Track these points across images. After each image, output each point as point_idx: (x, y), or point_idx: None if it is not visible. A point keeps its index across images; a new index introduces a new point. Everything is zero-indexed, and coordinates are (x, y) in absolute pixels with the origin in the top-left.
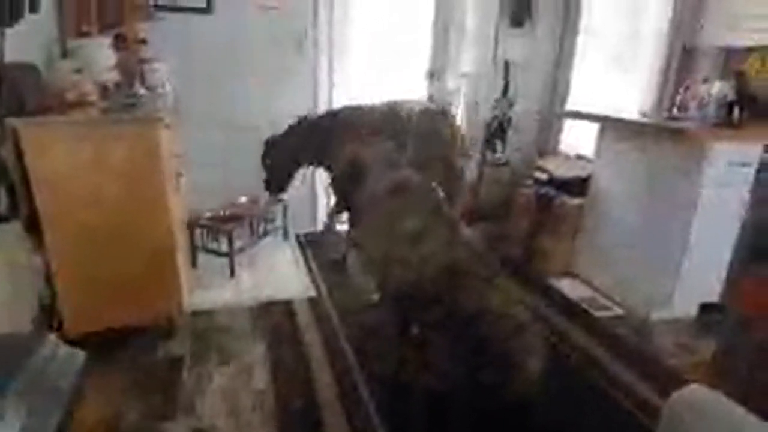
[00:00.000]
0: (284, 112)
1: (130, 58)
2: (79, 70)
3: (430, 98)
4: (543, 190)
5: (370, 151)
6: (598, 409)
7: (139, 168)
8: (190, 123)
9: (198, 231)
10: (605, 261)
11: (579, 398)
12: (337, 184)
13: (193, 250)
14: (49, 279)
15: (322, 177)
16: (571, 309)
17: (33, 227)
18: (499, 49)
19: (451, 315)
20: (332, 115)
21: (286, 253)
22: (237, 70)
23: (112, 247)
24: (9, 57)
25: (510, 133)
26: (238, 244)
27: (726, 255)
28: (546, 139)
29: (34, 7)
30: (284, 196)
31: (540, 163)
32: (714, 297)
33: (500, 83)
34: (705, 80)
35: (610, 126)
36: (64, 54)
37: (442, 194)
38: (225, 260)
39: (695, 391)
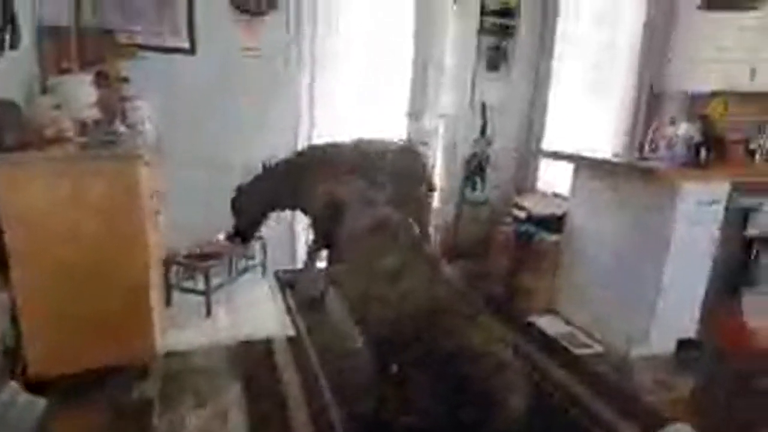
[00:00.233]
0: (265, 151)
1: (111, 95)
2: (58, 107)
3: (409, 138)
4: (522, 228)
5: (346, 190)
6: None
7: (117, 205)
8: (172, 161)
9: (174, 269)
10: (583, 298)
11: None
12: (315, 224)
13: (168, 288)
14: (14, 319)
15: (301, 214)
16: (551, 346)
17: (1, 264)
18: (477, 91)
19: (431, 353)
20: (300, 156)
21: (264, 290)
22: (219, 110)
23: (85, 285)
24: None
25: (488, 171)
26: (215, 281)
27: (700, 291)
28: (524, 177)
29: (14, 44)
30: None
31: (517, 200)
32: (690, 333)
33: (478, 124)
34: (672, 121)
35: (584, 165)
36: (44, 90)
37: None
38: (201, 298)
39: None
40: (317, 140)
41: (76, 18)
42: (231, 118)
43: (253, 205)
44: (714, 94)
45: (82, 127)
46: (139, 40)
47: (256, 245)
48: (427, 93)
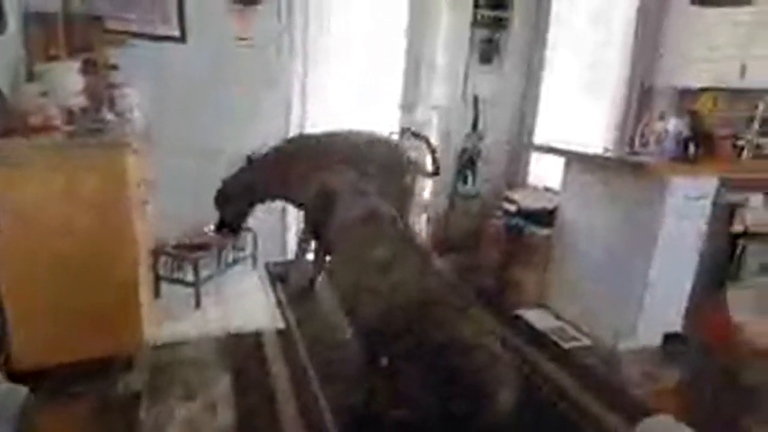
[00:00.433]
0: (256, 141)
1: (99, 83)
2: (45, 94)
3: (403, 130)
4: (513, 221)
5: (338, 180)
6: None
7: (104, 194)
8: (162, 150)
9: (163, 260)
10: (573, 292)
11: (550, 429)
12: (307, 214)
13: (157, 279)
14: (0, 310)
15: (291, 205)
16: (541, 340)
17: None
18: (469, 84)
19: (422, 344)
20: (289, 145)
21: (254, 282)
22: (210, 98)
23: (71, 276)
24: None
25: (480, 165)
26: (204, 273)
27: (686, 285)
28: (515, 171)
29: (0, 29)
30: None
31: (508, 194)
32: (677, 327)
33: (470, 117)
34: (662, 117)
35: (574, 159)
36: (31, 77)
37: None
38: (190, 290)
39: (659, 421)
40: (309, 130)
41: (64, 4)
42: (222, 107)
43: (239, 196)
44: (704, 90)
45: (69, 115)
46: (129, 27)
47: (247, 236)
48: (419, 85)
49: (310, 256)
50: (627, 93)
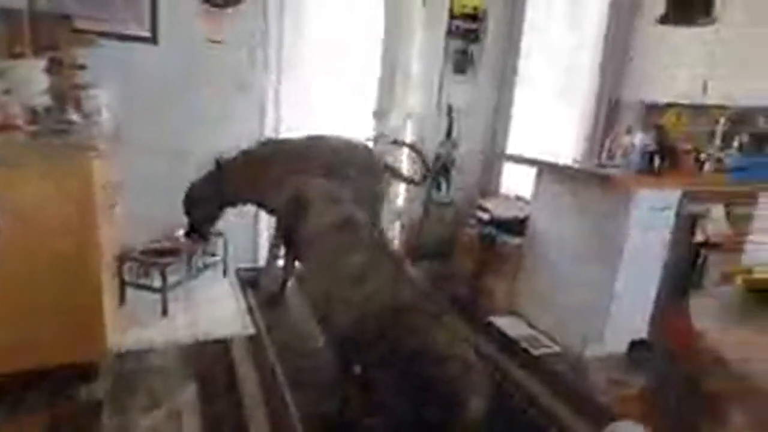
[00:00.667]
0: (229, 143)
1: (64, 83)
2: (7, 92)
3: (377, 137)
4: (486, 230)
5: (313, 185)
6: None
7: (67, 197)
8: (131, 151)
9: (129, 265)
10: (543, 300)
11: None
12: (279, 219)
13: (122, 285)
14: None
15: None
16: (512, 347)
17: None
18: (443, 93)
19: (395, 351)
20: (261, 149)
21: (225, 288)
22: (182, 99)
23: (31, 280)
24: None
25: (454, 173)
26: (173, 278)
27: (651, 294)
28: (488, 180)
29: None
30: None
31: (481, 202)
32: (642, 334)
33: (444, 126)
34: (629, 130)
35: (545, 170)
36: None
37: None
38: (158, 296)
39: (624, 426)
40: (284, 133)
41: (29, 1)
42: (194, 109)
43: (207, 200)
44: (669, 106)
45: (33, 114)
46: (99, 27)
47: (217, 242)
48: (394, 93)
49: (282, 262)
50: (596, 106)
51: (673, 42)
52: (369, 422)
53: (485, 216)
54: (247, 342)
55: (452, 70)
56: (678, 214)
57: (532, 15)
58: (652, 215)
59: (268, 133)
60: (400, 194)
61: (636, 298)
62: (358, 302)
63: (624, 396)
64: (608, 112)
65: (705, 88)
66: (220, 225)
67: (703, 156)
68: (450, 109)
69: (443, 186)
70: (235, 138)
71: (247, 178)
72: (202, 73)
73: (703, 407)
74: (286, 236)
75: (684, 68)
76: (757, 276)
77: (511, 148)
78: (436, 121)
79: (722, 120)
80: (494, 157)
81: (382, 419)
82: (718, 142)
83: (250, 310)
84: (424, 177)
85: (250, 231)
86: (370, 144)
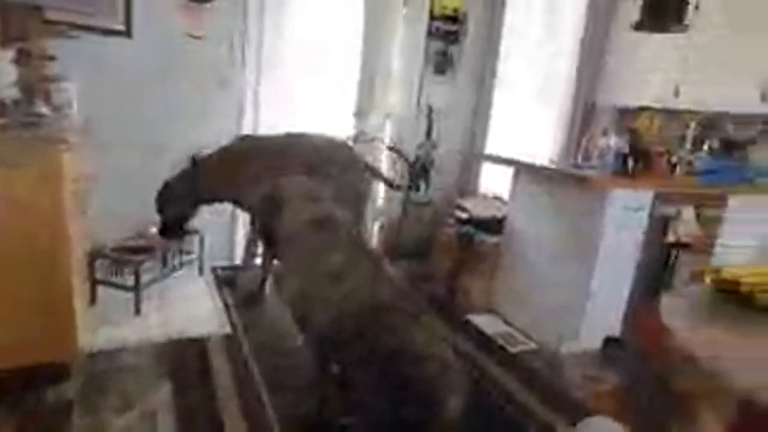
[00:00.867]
0: (207, 138)
1: (33, 74)
2: None
3: (356, 137)
4: (464, 229)
5: (291, 183)
6: None
7: (35, 192)
8: (104, 146)
9: (100, 262)
10: (520, 298)
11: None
12: (254, 217)
13: (94, 283)
14: None
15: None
16: (489, 345)
17: None
18: (423, 94)
19: (374, 350)
20: (238, 144)
21: (200, 287)
22: (157, 94)
23: None
24: None
25: (433, 173)
26: (147, 276)
27: (625, 292)
28: (467, 180)
29: None
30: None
31: (459, 202)
32: (616, 331)
33: (423, 126)
34: (604, 132)
35: (523, 170)
36: None
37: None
38: (131, 295)
39: (596, 422)
40: (262, 129)
41: None
42: (170, 104)
43: (181, 198)
44: (642, 109)
45: (1, 107)
46: (72, 19)
47: (193, 239)
48: (374, 93)
49: (259, 261)
50: (573, 109)
51: (648, 48)
52: (347, 421)
53: (464, 215)
54: (223, 340)
55: (432, 71)
56: (651, 215)
57: (511, 19)
58: (626, 215)
59: (247, 131)
60: (379, 194)
61: (610, 296)
62: (336, 301)
63: (598, 392)
64: (584, 115)
65: (677, 93)
66: (196, 222)
67: (674, 159)
68: (430, 110)
69: (422, 186)
70: (213, 134)
71: (224, 174)
72: (180, 68)
73: (673, 404)
74: (264, 234)
75: (658, 73)
76: (725, 276)
77: (490, 149)
78: (415, 122)
79: (693, 124)
80: (473, 157)
81: (360, 418)
82: (689, 145)
83: (226, 308)
84: (409, 186)
85: (226, 229)
86: (350, 143)
